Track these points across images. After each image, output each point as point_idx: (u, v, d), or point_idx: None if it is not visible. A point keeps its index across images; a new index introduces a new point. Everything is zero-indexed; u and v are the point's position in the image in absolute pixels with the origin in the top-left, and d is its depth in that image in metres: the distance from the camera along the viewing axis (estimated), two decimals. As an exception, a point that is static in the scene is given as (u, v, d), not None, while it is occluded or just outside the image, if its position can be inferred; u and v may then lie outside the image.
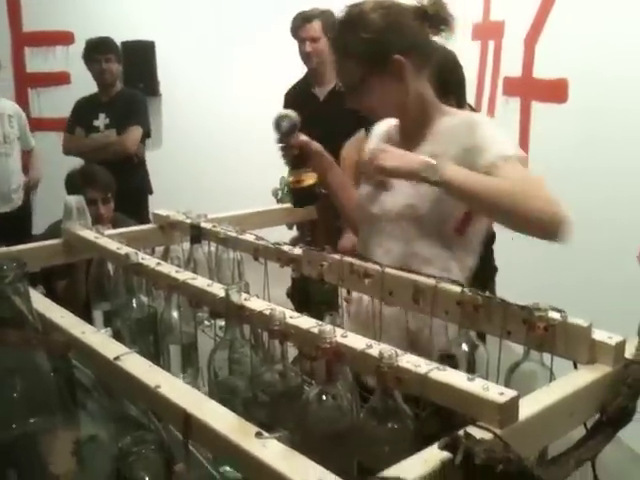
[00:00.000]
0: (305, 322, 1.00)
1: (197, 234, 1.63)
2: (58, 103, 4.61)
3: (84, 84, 3.94)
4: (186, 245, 1.73)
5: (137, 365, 0.88)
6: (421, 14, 1.39)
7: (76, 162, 3.38)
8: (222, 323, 1.65)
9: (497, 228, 2.08)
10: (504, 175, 1.25)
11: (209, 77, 5.17)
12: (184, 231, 1.71)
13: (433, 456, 0.68)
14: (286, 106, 2.99)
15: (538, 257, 2.92)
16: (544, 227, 1.21)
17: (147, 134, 3.84)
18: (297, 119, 1.57)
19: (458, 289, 1.06)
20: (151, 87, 5.13)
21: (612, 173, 2.64)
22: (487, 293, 1.03)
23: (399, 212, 1.41)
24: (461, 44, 4.12)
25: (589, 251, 2.66)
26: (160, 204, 3.40)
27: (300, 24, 2.79)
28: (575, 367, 0.95)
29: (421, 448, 0.72)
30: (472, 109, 2.05)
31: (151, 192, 3.92)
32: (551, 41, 3.23)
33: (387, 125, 1.58)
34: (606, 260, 2.55)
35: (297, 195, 1.64)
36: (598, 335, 0.92)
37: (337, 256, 1.28)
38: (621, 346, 0.91)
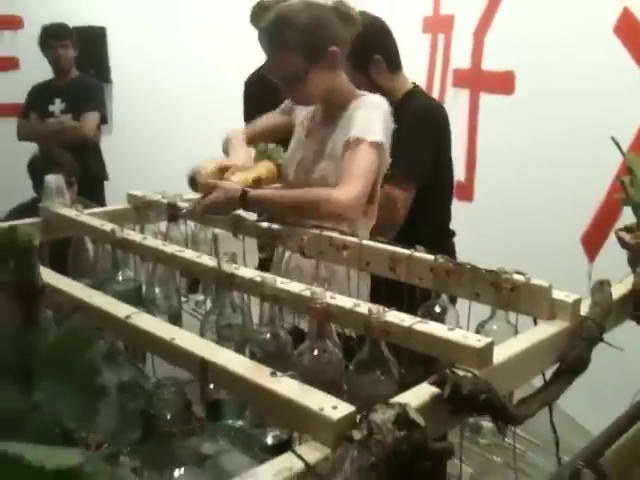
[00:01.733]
0: (296, 287, 1.10)
1: (174, 213, 1.70)
2: (5, 89, 4.55)
3: (34, 70, 3.92)
4: (161, 225, 1.80)
5: (149, 322, 0.95)
6: (336, 11, 1.59)
7: (26, 149, 3.38)
8: (199, 298, 1.75)
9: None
10: (348, 155, 1.52)
11: (162, 64, 5.17)
12: (159, 211, 1.77)
13: (423, 391, 0.79)
14: (246, 93, 3.07)
15: (495, 233, 3.09)
16: (324, 218, 1.46)
17: (103, 120, 3.85)
18: None
19: (431, 257, 1.17)
20: (102, 73, 5.10)
21: (556, 161, 2.81)
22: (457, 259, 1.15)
23: None
24: (412, 37, 4.25)
25: (537, 232, 2.84)
26: (115, 190, 3.43)
27: (259, 13, 2.85)
28: (535, 324, 1.07)
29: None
30: (415, 85, 2.14)
31: (107, 178, 3.93)
32: (499, 34, 3.38)
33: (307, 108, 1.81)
34: (552, 240, 2.71)
35: None
36: (557, 294, 1.04)
37: (316, 230, 1.37)
38: (577, 304, 1.03)
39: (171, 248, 1.33)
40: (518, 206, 3.07)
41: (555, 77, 2.87)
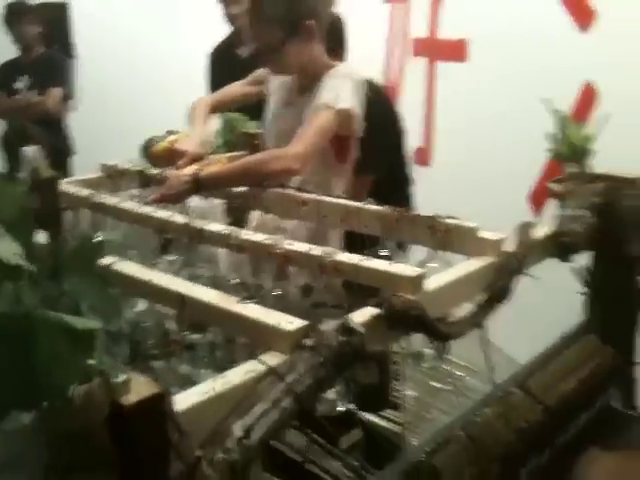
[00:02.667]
0: (258, 237, 1.24)
1: (146, 179, 1.83)
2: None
3: (1, 48, 3.96)
4: (134, 192, 1.93)
5: (129, 268, 1.09)
6: None
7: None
8: (172, 258, 1.88)
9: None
10: (311, 121, 1.64)
11: (126, 38, 5.20)
12: (132, 178, 1.89)
13: (365, 312, 0.94)
14: (212, 64, 3.16)
15: (451, 196, 3.26)
16: (279, 177, 1.58)
17: (69, 95, 3.92)
18: None
19: (379, 208, 1.33)
20: (66, 49, 5.12)
21: (507, 124, 2.97)
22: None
23: None
24: (372, 8, 4.35)
25: (489, 192, 3.01)
26: (81, 164, 3.51)
27: None
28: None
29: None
30: None
31: (73, 152, 4.01)
32: (454, 3, 3.52)
33: (281, 79, 1.90)
34: (502, 199, 2.89)
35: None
36: (484, 234, 1.21)
37: (279, 189, 1.52)
38: (501, 242, 1.20)
39: (146, 209, 1.47)
40: (473, 169, 3.23)
41: (506, 44, 3.02)
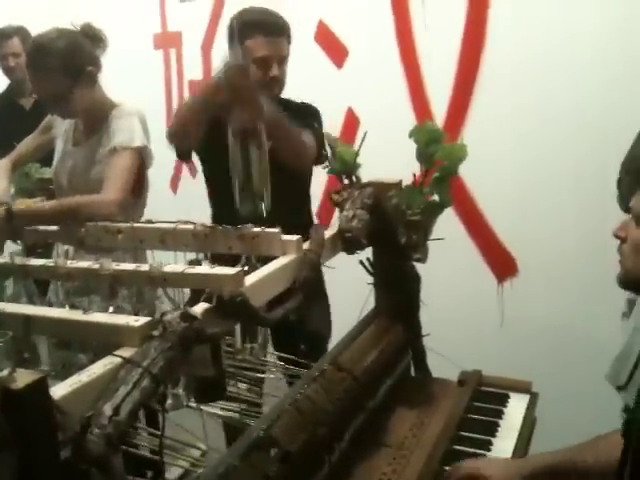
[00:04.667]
0: (84, 263, 1.34)
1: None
2: None
3: None
4: None
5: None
6: (86, 34, 1.89)
7: None
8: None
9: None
10: (112, 161, 1.83)
11: None
12: None
13: (199, 307, 1.10)
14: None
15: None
16: (96, 219, 1.64)
17: None
18: None
19: (191, 226, 1.49)
20: None
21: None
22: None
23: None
24: (144, 54, 4.51)
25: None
26: None
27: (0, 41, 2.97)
28: (274, 261, 1.44)
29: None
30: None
31: None
32: (224, 46, 3.79)
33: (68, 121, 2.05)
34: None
35: None
36: (285, 237, 1.42)
37: (92, 223, 1.61)
38: (300, 242, 1.42)
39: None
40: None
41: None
